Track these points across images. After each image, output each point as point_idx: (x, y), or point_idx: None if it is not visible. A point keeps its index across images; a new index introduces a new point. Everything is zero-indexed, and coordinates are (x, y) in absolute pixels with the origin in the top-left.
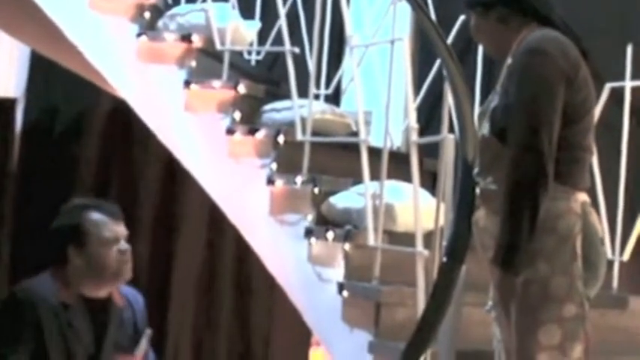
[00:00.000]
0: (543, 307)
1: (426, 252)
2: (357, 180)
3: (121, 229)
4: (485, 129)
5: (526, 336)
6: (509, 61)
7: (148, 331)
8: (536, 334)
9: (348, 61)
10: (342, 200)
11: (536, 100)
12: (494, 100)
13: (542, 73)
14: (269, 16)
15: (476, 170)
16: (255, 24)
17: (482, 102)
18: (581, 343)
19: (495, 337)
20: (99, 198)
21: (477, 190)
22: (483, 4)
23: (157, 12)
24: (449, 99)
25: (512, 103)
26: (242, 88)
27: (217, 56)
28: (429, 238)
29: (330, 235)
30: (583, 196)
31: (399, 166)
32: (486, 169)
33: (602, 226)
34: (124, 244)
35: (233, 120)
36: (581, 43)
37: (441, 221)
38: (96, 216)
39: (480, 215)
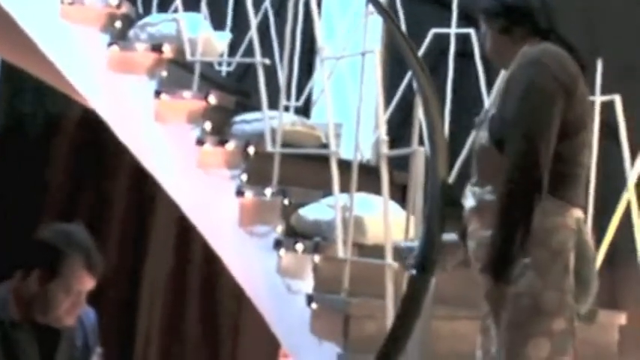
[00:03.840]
0: (534, 321)
1: (395, 265)
2: (327, 192)
3: (89, 284)
4: (484, 139)
5: (515, 348)
6: (508, 72)
7: (99, 350)
8: (526, 347)
9: (319, 73)
10: (312, 212)
11: (534, 112)
12: (491, 110)
13: (541, 85)
14: (240, 28)
15: (473, 180)
16: (227, 35)
17: (453, 115)
18: (569, 358)
19: (481, 347)
20: (67, 207)
21: (472, 202)
22: (488, 13)
23: (128, 22)
24: (419, 112)
25: (510, 113)
26: (212, 99)
27: (188, 67)
28: (398, 250)
29: (300, 246)
30: (578, 213)
31: (369, 178)
32: (486, 178)
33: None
34: (81, 299)
35: (203, 131)
36: (581, 59)
37: (411, 234)
38: (77, 261)
39: (476, 227)
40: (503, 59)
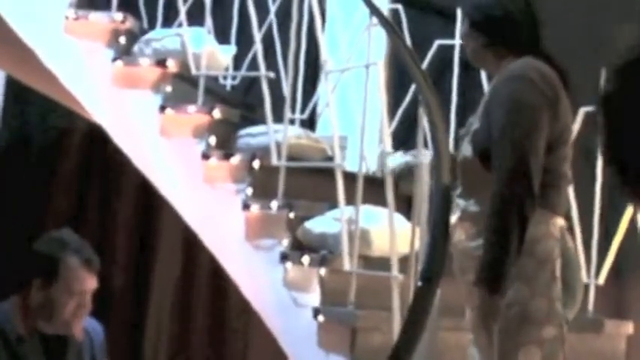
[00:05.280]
0: (523, 329)
1: (401, 276)
2: (333, 205)
3: (91, 283)
4: (468, 151)
5: (506, 357)
6: (491, 86)
7: None
8: (517, 356)
9: (323, 86)
10: (318, 225)
11: (523, 126)
12: (475, 123)
13: (527, 99)
14: (244, 41)
15: (458, 192)
16: (231, 49)
17: (457, 126)
18: None
19: (473, 359)
20: (73, 222)
21: (457, 213)
22: (473, 24)
23: (133, 37)
24: (424, 123)
25: (498, 128)
26: (217, 113)
27: (193, 81)
28: (404, 262)
29: (306, 259)
30: (561, 221)
31: (374, 190)
32: (469, 190)
33: (578, 251)
34: (86, 300)
35: (208, 145)
36: (564, 75)
37: (417, 245)
38: (73, 261)
39: (459, 238)
40: (485, 67)
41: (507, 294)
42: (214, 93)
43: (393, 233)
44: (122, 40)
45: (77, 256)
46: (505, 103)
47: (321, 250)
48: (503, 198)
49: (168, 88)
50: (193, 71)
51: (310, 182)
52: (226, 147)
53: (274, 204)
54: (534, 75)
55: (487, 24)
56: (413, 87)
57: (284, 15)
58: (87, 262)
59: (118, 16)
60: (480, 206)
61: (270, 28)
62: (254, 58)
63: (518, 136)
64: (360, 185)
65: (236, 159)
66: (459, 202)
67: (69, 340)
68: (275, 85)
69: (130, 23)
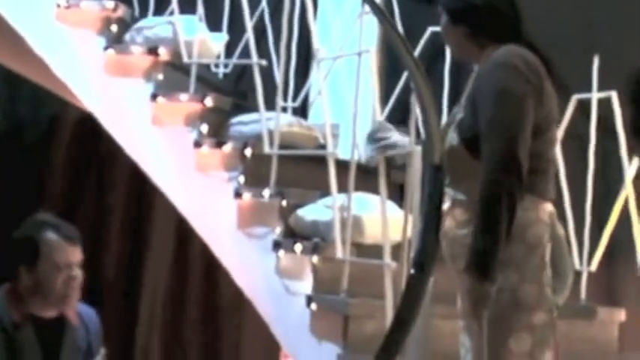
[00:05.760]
0: (514, 315)
1: (394, 264)
2: (325, 192)
3: (75, 255)
4: (454, 140)
5: (497, 344)
6: (474, 74)
7: (103, 351)
8: (507, 342)
9: (316, 74)
10: (310, 213)
11: (509, 114)
12: (460, 112)
13: (512, 87)
14: (236, 29)
15: (446, 180)
16: (223, 37)
17: (449, 114)
18: (550, 350)
19: (464, 346)
20: (66, 211)
21: (447, 201)
22: (452, 16)
23: (124, 25)
24: (416, 111)
25: (484, 116)
26: (209, 101)
27: (184, 69)
28: (397, 250)
29: (298, 247)
30: (549, 206)
31: (366, 178)
32: (457, 179)
33: (569, 237)
34: (75, 271)
35: (200, 133)
36: (547, 62)
37: (409, 233)
38: (51, 236)
39: (450, 226)
40: (465, 58)
41: (498, 279)
42: (206, 81)
43: (385, 221)
44: (114, 28)
45: (54, 231)
46: (490, 91)
47: (314, 238)
48: (492, 185)
49: (160, 77)
50: (185, 59)
51: (302, 170)
52: (218, 135)
53: (266, 192)
54: (518, 62)
55: (467, 13)
56: (405, 74)
57: (276, 2)
58: (66, 235)
59: (110, 3)
60: (468, 195)
61: (262, 16)
62: (246, 46)
63: (505, 124)
64: (352, 173)
65: (228, 147)
66: (448, 191)
67: (65, 325)
68: (267, 73)
69: (122, 11)
